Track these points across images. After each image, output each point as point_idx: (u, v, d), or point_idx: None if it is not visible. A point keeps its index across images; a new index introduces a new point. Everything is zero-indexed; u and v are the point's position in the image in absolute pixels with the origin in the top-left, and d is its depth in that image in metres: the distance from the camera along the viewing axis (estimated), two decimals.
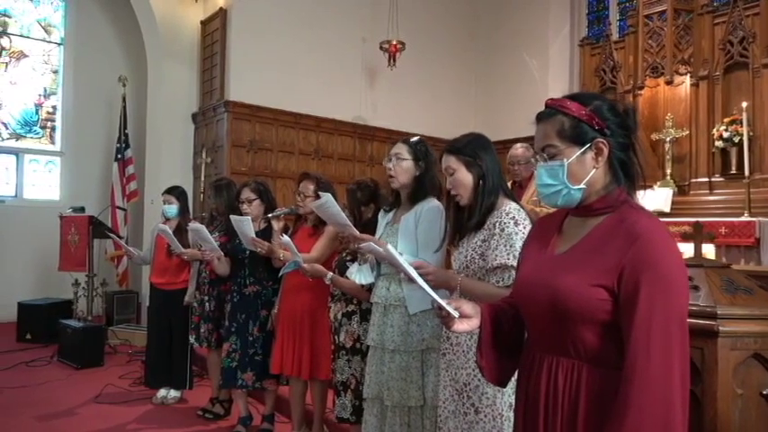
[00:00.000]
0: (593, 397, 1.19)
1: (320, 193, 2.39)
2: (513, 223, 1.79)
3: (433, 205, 2.31)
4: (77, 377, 4.67)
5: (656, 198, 5.95)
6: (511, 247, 1.77)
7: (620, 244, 1.18)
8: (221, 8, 6.47)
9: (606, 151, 1.24)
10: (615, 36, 7.15)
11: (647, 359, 1.09)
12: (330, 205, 2.26)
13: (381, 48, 6.71)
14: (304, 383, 3.13)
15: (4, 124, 7.29)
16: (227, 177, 4.11)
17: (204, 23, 6.82)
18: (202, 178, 6.45)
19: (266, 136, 6.60)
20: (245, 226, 2.98)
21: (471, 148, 1.94)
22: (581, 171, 1.25)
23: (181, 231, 4.00)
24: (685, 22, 6.22)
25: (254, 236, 2.99)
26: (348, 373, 2.62)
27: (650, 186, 6.03)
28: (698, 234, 1.90)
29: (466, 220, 1.91)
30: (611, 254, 1.19)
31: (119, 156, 6.81)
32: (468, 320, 1.32)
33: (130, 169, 6.79)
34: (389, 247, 1.55)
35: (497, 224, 1.81)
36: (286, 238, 2.78)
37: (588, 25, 7.92)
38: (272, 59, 6.53)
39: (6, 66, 7.30)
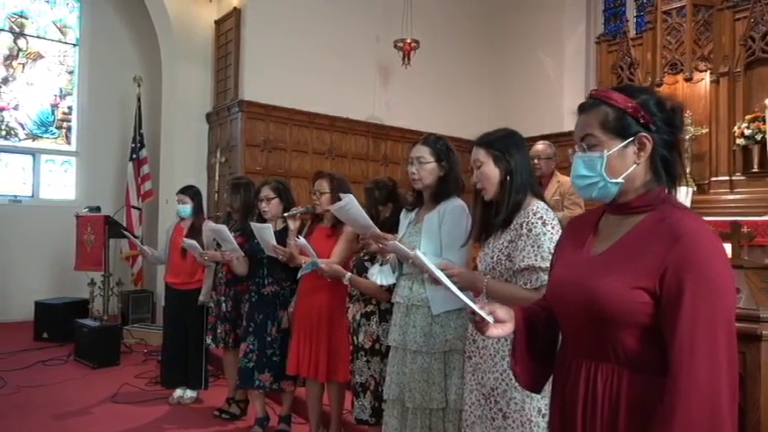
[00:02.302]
0: (635, 404, 1.14)
1: (341, 195, 2.34)
2: (540, 223, 1.75)
3: (456, 204, 2.27)
4: (93, 376, 4.68)
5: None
6: (539, 248, 1.72)
7: (661, 244, 1.13)
8: (235, 8, 6.46)
9: (649, 147, 1.19)
10: (632, 33, 7.05)
11: (691, 366, 1.04)
12: (351, 207, 2.22)
13: (395, 46, 6.67)
14: (321, 385, 3.10)
15: (21, 125, 7.35)
16: (245, 177, 4.09)
17: (218, 23, 6.82)
18: (216, 178, 6.45)
19: (280, 135, 6.59)
20: (266, 233, 2.96)
21: (502, 143, 1.89)
22: (621, 165, 1.20)
23: (195, 231, 3.99)
24: (705, 18, 6.11)
25: (275, 243, 2.97)
26: (367, 374, 2.58)
27: None
28: (735, 234, 1.83)
29: (493, 217, 1.86)
30: (651, 254, 1.14)
31: (133, 155, 6.83)
32: (501, 325, 1.28)
33: (145, 169, 6.81)
34: (419, 252, 1.50)
35: (524, 224, 1.76)
36: (302, 240, 2.75)
37: (604, 22, 7.82)
38: (286, 58, 6.51)
39: (23, 67, 7.36)
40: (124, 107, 7.48)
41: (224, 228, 3.20)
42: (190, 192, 4.06)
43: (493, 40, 8.31)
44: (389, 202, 2.76)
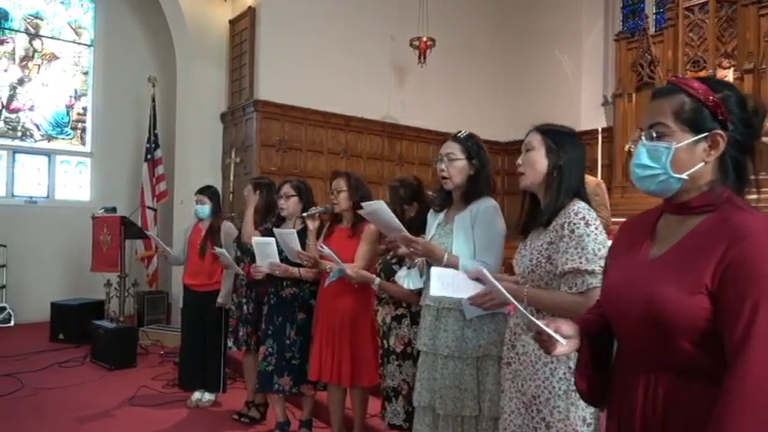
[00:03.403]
0: (696, 415, 1.07)
1: (372, 202, 2.26)
2: (583, 224, 1.66)
3: (489, 205, 2.19)
4: (110, 378, 4.65)
5: None
6: (582, 249, 1.64)
7: (723, 245, 1.05)
8: (250, 7, 6.42)
9: (722, 146, 1.11)
10: (652, 30, 6.92)
11: (750, 369, 0.97)
12: (383, 212, 2.15)
13: (411, 45, 6.59)
14: (343, 389, 3.03)
15: (37, 126, 7.36)
16: (268, 177, 4.04)
17: (233, 23, 6.78)
18: (231, 178, 6.41)
19: (295, 135, 6.54)
20: (291, 239, 2.91)
21: (561, 136, 1.81)
22: (688, 160, 1.12)
23: (213, 232, 3.95)
24: (728, 14, 5.98)
25: (299, 249, 2.91)
26: (399, 378, 2.52)
27: None
28: None
29: (539, 215, 1.78)
30: (713, 256, 1.06)
31: (148, 156, 6.81)
32: (567, 341, 1.21)
33: (160, 169, 6.79)
34: (484, 270, 1.42)
35: (566, 225, 1.68)
36: (327, 249, 2.69)
37: (623, 19, 7.71)
38: (301, 58, 6.46)
39: (38, 68, 7.37)
40: (138, 108, 7.48)
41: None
42: (208, 192, 4.02)
43: (509, 38, 8.21)
44: (415, 202, 2.69)
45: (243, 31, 6.57)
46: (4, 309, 6.61)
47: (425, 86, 7.37)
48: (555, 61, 7.71)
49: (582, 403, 1.66)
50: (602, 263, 1.62)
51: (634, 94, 6.72)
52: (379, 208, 2.15)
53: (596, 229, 1.66)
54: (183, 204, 6.63)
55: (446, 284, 1.80)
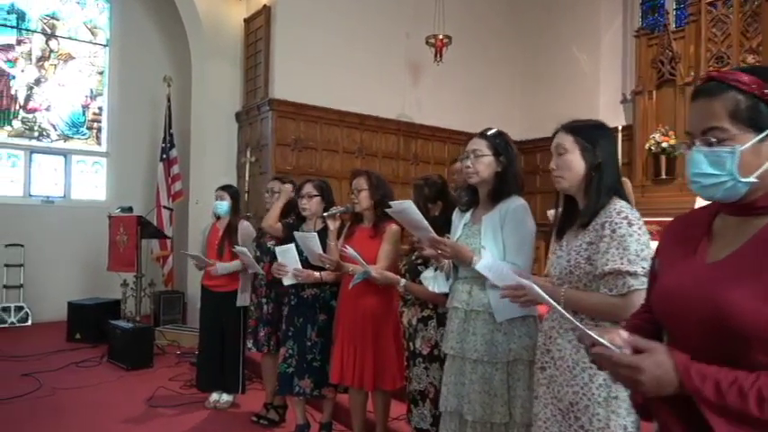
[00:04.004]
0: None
1: (400, 201, 2.20)
2: (626, 224, 1.59)
3: (519, 204, 2.12)
4: (128, 378, 4.64)
5: None
6: (625, 250, 1.56)
7: None
8: (265, 5, 6.39)
9: None
10: (673, 26, 6.80)
11: None
12: (411, 212, 2.09)
13: (427, 42, 6.53)
14: (365, 392, 2.97)
15: (53, 126, 7.39)
16: (288, 176, 3.99)
17: (247, 21, 6.76)
18: (246, 177, 6.38)
19: (310, 134, 6.50)
20: (312, 242, 2.86)
21: (593, 133, 1.74)
22: (754, 161, 1.04)
23: (231, 230, 3.92)
24: (753, 9, 5.84)
25: (321, 252, 2.86)
26: (426, 381, 2.46)
27: None
28: None
29: (573, 216, 1.71)
30: None
31: (164, 156, 6.81)
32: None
33: (175, 169, 6.78)
34: (534, 286, 1.35)
35: (607, 224, 1.61)
36: (351, 251, 2.63)
37: (642, 15, 7.58)
38: (316, 56, 6.42)
39: (55, 68, 7.39)
40: (153, 107, 7.48)
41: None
42: (230, 190, 4.01)
43: (526, 36, 8.12)
44: (439, 200, 2.62)
45: (258, 29, 6.54)
46: (22, 308, 6.64)
47: (441, 85, 7.31)
48: (573, 59, 7.60)
49: (623, 411, 1.59)
50: (645, 264, 1.55)
51: (654, 92, 6.59)
52: (407, 207, 2.09)
53: (639, 229, 1.59)
54: (198, 204, 6.63)
55: (494, 271, 1.76)
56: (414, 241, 2.32)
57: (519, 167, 2.23)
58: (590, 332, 1.11)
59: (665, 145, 6.27)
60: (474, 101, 7.66)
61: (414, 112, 7.26)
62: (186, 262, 6.62)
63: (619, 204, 1.64)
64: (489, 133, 2.24)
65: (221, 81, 6.73)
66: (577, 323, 1.19)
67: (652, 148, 6.36)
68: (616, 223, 1.59)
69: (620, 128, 6.64)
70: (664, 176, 6.29)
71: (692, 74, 6.19)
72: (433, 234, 2.13)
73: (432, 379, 2.47)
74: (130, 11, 7.66)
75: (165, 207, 6.64)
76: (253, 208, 6.09)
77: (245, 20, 6.79)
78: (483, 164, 2.15)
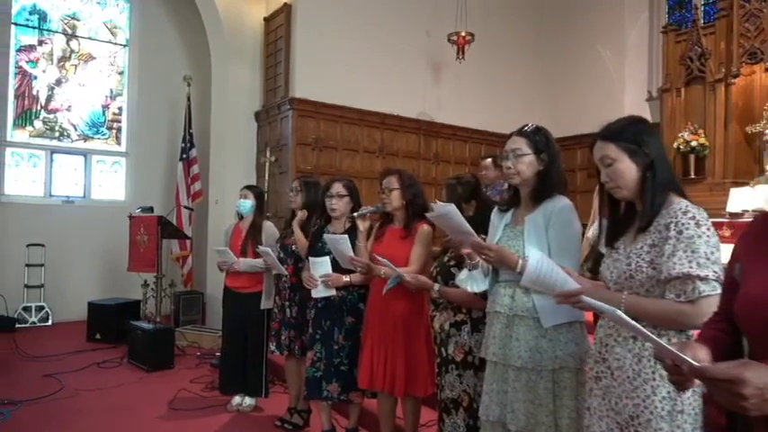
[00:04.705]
0: None
1: (442, 204, 2.09)
2: (693, 224, 1.48)
3: (564, 204, 2.01)
4: (149, 380, 4.59)
5: (755, 196, 5.41)
6: (693, 253, 1.45)
7: None
8: (285, 3, 6.33)
9: None
10: (701, 21, 6.61)
11: None
12: (453, 214, 1.98)
13: (449, 40, 6.42)
14: (395, 398, 2.87)
15: (74, 126, 7.40)
16: (314, 176, 3.91)
17: (267, 20, 6.71)
18: (266, 177, 6.32)
19: (331, 133, 6.42)
20: (343, 245, 2.77)
21: (634, 132, 1.62)
22: None
23: (255, 230, 3.84)
24: None
25: (352, 255, 2.77)
26: (459, 389, 2.35)
27: (746, 183, 5.51)
28: None
29: (637, 220, 1.60)
30: None
31: (183, 155, 6.78)
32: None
33: (195, 169, 6.74)
34: (621, 314, 1.25)
35: (672, 225, 1.49)
36: (384, 261, 2.54)
37: (668, 11, 7.40)
38: (336, 55, 6.34)
39: (75, 68, 7.41)
40: (173, 107, 7.47)
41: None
42: (255, 190, 3.95)
43: (548, 33, 7.97)
44: (473, 200, 2.52)
45: (278, 28, 6.48)
46: (43, 308, 6.65)
47: (461, 83, 7.20)
48: (596, 56, 7.45)
49: (688, 426, 1.48)
50: (717, 269, 1.44)
51: (683, 89, 6.41)
52: (450, 211, 1.98)
53: (708, 230, 1.47)
54: (217, 204, 6.59)
55: (542, 273, 1.65)
56: (447, 241, 2.20)
57: (561, 164, 2.12)
58: (671, 348, 1.01)
59: (694, 144, 6.09)
60: (495, 99, 7.54)
61: (434, 110, 7.16)
62: (206, 262, 6.60)
63: (683, 203, 1.53)
64: (528, 129, 2.13)
65: (241, 80, 6.68)
66: (655, 337, 1.08)
67: (681, 146, 6.19)
68: (683, 224, 1.48)
69: None
70: (693, 176, 6.11)
71: (723, 70, 6.01)
72: (477, 238, 2.03)
73: (465, 387, 2.36)
74: (150, 11, 7.65)
75: (185, 207, 6.61)
76: (273, 208, 6.03)
77: (264, 18, 6.74)
78: (524, 163, 2.04)
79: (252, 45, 6.77)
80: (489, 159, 5.27)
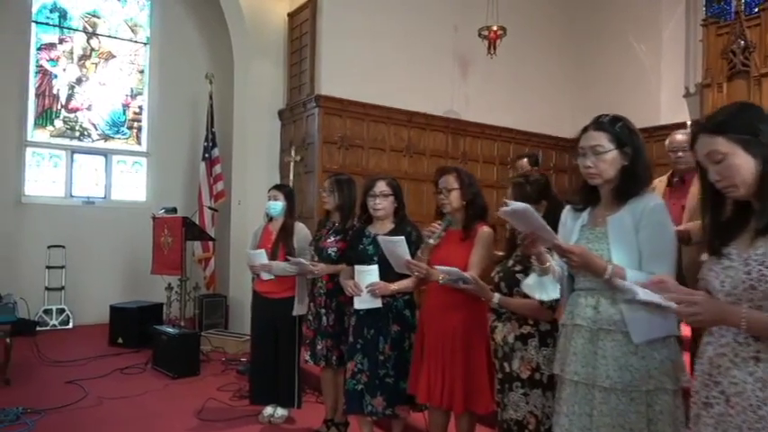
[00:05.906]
0: None
1: (518, 203, 1.85)
2: None
3: (657, 204, 1.78)
4: (175, 387, 4.42)
5: None
6: None
7: None
8: None
9: None
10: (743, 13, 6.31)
11: None
12: (530, 214, 1.76)
13: (480, 35, 6.18)
14: (447, 413, 2.66)
15: (94, 125, 7.28)
16: (346, 173, 3.70)
17: (291, 15, 6.53)
18: (291, 177, 6.13)
19: (357, 132, 6.22)
20: (399, 247, 2.57)
21: (746, 120, 1.39)
22: None
23: (286, 233, 3.64)
24: None
25: (409, 258, 2.56)
26: (525, 410, 2.13)
27: None
28: None
29: (753, 221, 1.38)
30: None
31: (206, 155, 6.61)
32: None
33: (217, 169, 6.58)
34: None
35: None
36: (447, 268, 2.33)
37: (705, 3, 7.10)
38: (362, 50, 6.14)
39: (96, 67, 7.29)
40: (194, 106, 7.32)
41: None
42: (285, 189, 3.75)
43: (580, 27, 7.70)
44: (543, 200, 2.29)
45: (303, 23, 6.30)
46: (63, 310, 6.53)
47: (490, 80, 6.96)
48: (631, 50, 7.17)
49: None
50: None
51: (725, 84, 6.12)
52: (527, 210, 1.76)
53: None
54: (240, 205, 6.42)
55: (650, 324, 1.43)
56: (523, 238, 1.94)
57: (647, 157, 1.88)
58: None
59: None
60: (524, 96, 7.30)
61: (462, 108, 6.94)
62: (228, 264, 6.43)
63: None
64: (605, 121, 1.88)
65: (264, 78, 6.51)
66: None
67: None
68: None
69: (688, 123, 6.22)
70: None
71: None
72: (558, 240, 1.80)
73: (532, 408, 2.14)
74: (171, 8, 7.52)
75: (209, 208, 6.44)
76: (298, 209, 5.83)
77: (288, 14, 6.56)
78: (606, 162, 1.80)
79: (275, 41, 6.59)
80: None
